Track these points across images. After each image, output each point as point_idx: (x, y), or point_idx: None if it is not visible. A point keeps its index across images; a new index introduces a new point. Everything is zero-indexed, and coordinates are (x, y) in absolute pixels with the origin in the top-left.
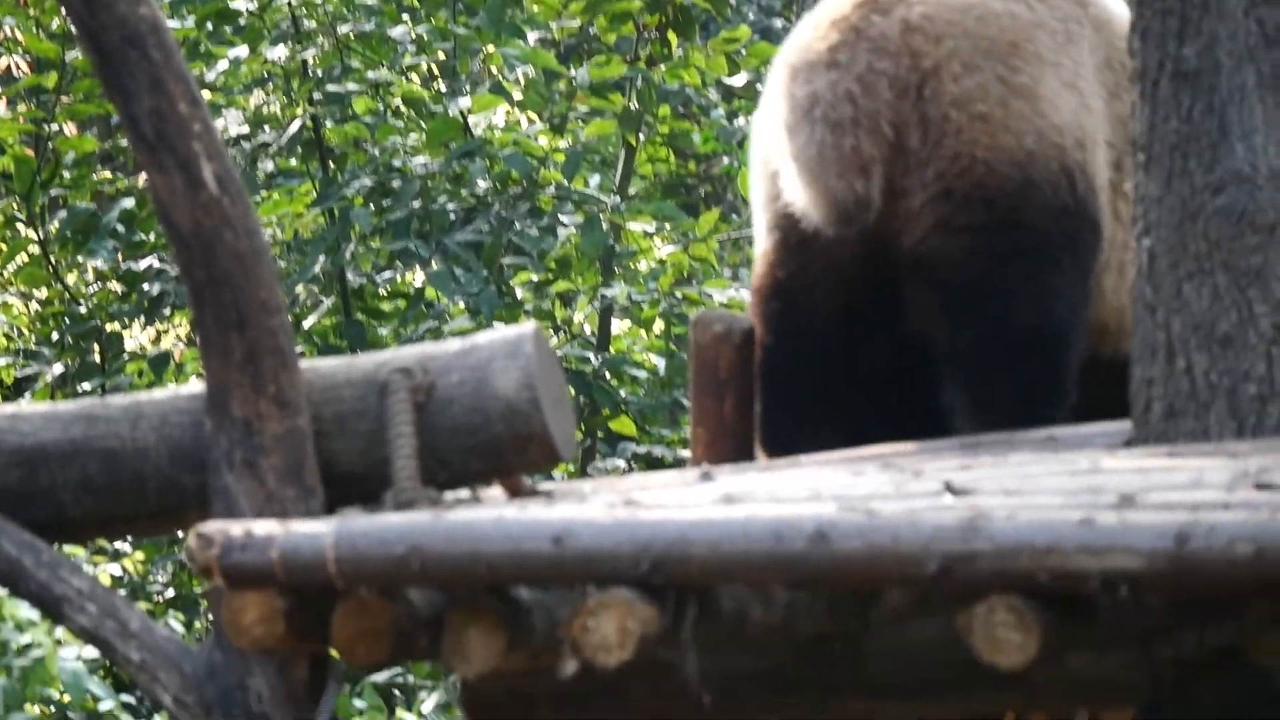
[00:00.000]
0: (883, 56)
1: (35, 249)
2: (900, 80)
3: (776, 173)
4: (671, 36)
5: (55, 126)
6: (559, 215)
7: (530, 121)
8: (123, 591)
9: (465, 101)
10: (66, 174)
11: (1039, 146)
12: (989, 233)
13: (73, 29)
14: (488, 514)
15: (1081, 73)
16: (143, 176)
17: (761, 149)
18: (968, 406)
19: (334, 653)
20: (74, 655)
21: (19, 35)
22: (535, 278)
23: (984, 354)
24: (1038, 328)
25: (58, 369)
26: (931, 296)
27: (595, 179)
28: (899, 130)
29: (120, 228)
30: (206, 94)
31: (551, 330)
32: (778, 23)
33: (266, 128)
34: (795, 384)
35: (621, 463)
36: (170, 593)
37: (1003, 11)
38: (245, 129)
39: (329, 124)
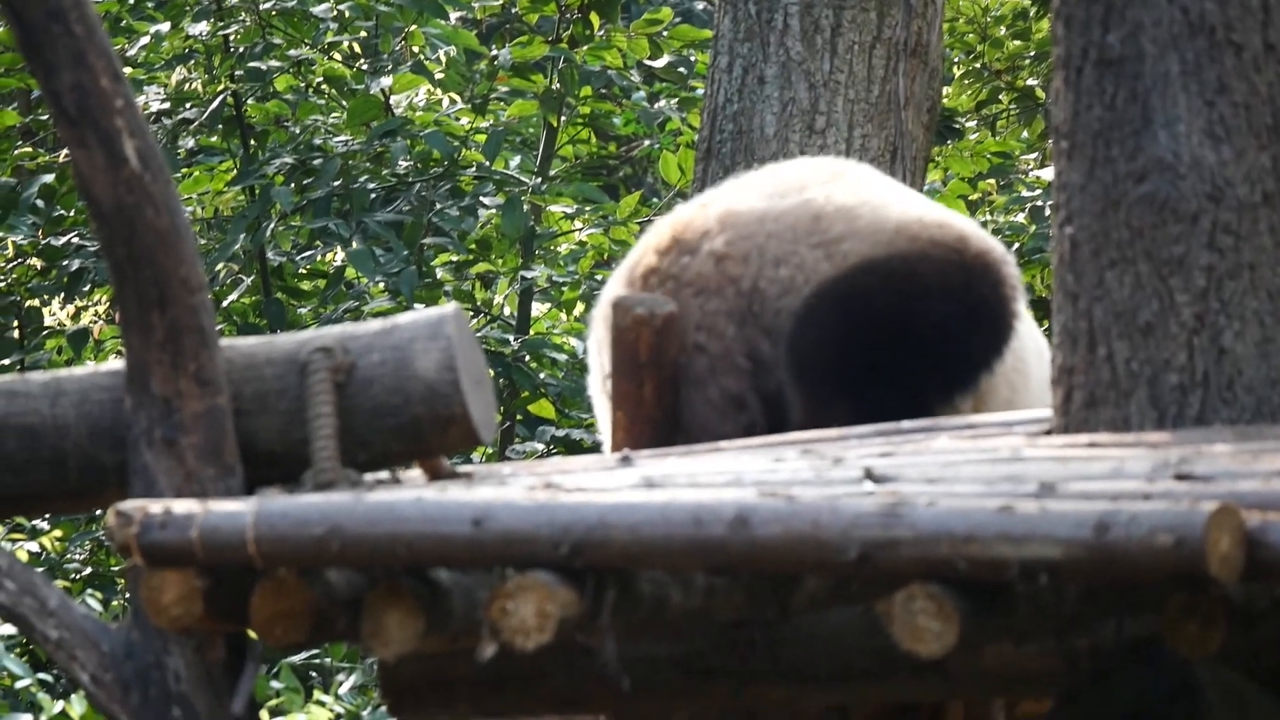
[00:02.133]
0: (710, 296)
1: None
2: (736, 313)
3: None
4: (594, 18)
5: None
6: (480, 196)
7: (451, 101)
8: (40, 569)
9: (386, 81)
10: None
11: (886, 236)
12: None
13: None
14: (407, 495)
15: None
16: (64, 152)
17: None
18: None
19: (252, 633)
20: None
21: None
22: (455, 258)
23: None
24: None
25: None
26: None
27: (516, 160)
28: (753, 354)
29: (40, 203)
30: (128, 70)
31: (471, 312)
32: (699, 5)
33: (188, 104)
34: None
35: (540, 446)
36: (88, 571)
37: (796, 202)
38: (166, 105)
39: (250, 101)
